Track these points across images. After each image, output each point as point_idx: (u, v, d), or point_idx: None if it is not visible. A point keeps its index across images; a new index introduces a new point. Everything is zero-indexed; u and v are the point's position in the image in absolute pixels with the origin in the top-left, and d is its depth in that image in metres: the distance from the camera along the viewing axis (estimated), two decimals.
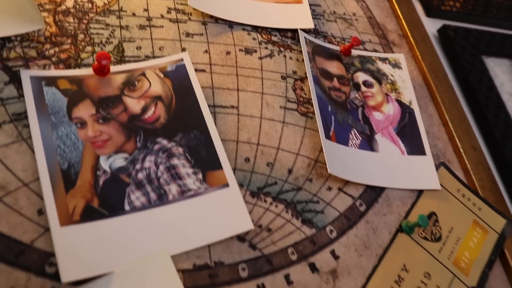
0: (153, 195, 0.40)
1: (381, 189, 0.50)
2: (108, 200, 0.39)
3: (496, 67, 0.73)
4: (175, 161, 0.42)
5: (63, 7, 0.49)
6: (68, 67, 0.44)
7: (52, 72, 0.43)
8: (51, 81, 0.43)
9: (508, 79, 0.73)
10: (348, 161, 0.48)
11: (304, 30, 0.57)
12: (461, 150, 0.56)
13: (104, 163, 0.40)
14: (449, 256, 0.49)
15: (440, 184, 0.53)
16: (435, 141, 0.57)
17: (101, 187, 0.39)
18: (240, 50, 0.53)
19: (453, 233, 0.51)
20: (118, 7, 0.51)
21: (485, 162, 0.57)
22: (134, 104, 0.44)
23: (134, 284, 0.36)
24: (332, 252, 0.44)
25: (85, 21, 0.48)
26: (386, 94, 0.57)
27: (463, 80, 0.69)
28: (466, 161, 0.56)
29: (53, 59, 0.44)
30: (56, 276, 0.34)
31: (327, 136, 0.48)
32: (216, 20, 0.55)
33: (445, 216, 0.51)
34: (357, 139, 0.51)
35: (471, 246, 0.51)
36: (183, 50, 0.50)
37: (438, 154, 0.56)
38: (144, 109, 0.44)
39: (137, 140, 0.42)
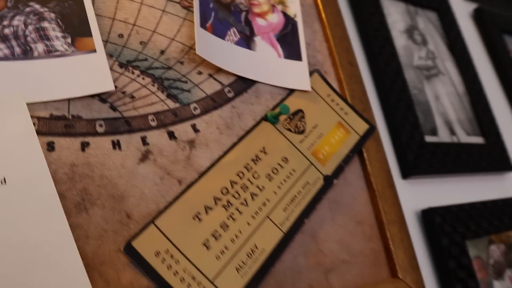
0: (17, 50, 0.42)
1: (253, 82, 0.54)
2: None
3: (392, 7, 0.79)
4: (45, 24, 0.44)
5: None
6: None
7: None
8: None
9: (400, 19, 0.79)
10: (220, 51, 0.52)
11: None
12: (338, 64, 0.61)
13: None
14: (309, 147, 0.53)
15: (312, 88, 0.57)
16: (315, 53, 0.61)
17: None
18: None
19: (317, 129, 0.55)
20: None
21: (359, 76, 0.62)
22: None
23: None
24: (193, 126, 0.47)
25: None
26: (273, 5, 0.60)
27: (356, 13, 0.74)
28: (341, 73, 0.61)
29: None
30: None
31: (203, 26, 0.51)
32: None
33: (311, 114, 0.56)
34: (235, 36, 0.54)
35: (332, 142, 0.55)
36: None
37: (316, 64, 0.60)
38: None
39: (7, 0, 0.44)
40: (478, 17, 0.99)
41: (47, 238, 0.36)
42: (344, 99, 0.59)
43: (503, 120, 0.88)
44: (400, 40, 0.76)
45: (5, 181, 0.36)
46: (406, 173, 0.65)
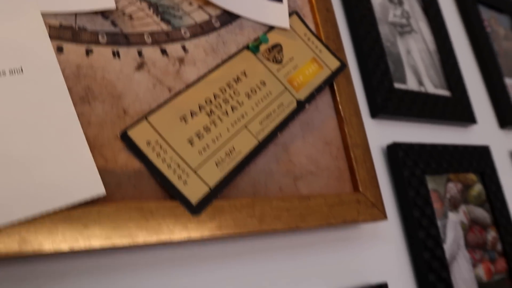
0: None
1: (237, 17, 0.61)
2: None
3: None
4: None
5: None
6: None
7: None
8: None
9: None
10: None
11: None
12: (315, 9, 0.68)
13: None
14: (285, 75, 0.61)
15: (290, 27, 0.64)
16: None
17: None
18: None
19: (293, 61, 0.63)
20: None
21: (334, 21, 0.69)
22: None
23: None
24: (183, 47, 0.55)
25: None
26: None
27: None
28: (318, 17, 0.68)
29: None
30: None
31: None
32: None
33: (289, 48, 0.63)
34: None
35: (306, 73, 0.63)
36: None
37: (296, 8, 0.68)
38: None
39: None
40: None
41: (58, 119, 0.43)
42: (319, 39, 0.66)
43: (470, 78, 0.95)
44: None
45: (22, 70, 0.44)
46: (374, 112, 0.73)
